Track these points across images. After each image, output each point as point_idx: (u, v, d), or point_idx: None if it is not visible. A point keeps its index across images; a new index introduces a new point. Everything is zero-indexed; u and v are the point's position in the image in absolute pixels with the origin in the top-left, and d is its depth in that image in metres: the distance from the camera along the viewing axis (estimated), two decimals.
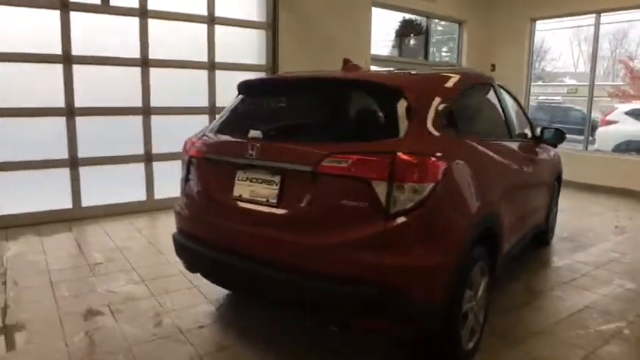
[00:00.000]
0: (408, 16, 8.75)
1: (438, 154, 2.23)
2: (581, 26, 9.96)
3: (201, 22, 6.04)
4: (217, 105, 6.21)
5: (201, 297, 3.41)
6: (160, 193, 5.91)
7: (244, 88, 3.08)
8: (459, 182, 2.37)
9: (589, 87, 8.30)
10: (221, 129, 2.94)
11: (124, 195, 5.75)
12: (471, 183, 2.47)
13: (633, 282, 3.92)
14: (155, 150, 5.87)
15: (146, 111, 5.76)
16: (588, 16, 8.28)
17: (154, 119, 5.83)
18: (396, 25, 8.86)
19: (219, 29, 6.15)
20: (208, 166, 2.78)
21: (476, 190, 2.51)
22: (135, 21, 5.58)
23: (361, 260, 2.13)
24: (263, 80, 3.72)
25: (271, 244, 2.39)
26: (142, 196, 5.88)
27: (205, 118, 6.14)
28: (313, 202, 2.28)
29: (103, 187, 5.58)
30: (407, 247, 2.14)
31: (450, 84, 2.82)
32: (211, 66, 6.16)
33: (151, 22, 5.65)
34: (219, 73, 6.23)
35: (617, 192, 7.60)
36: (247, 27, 6.45)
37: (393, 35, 8.83)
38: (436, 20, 9.13)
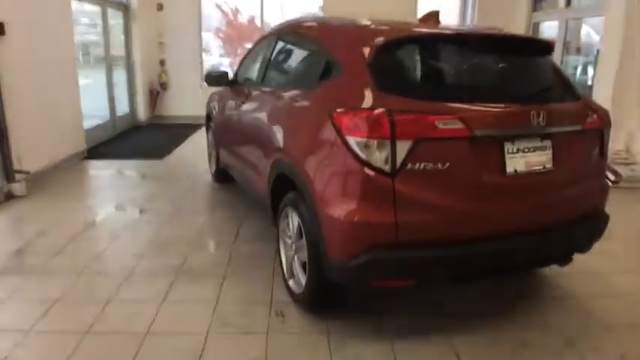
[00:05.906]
0: None
1: None
2: None
3: None
4: None
5: None
6: None
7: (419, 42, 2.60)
8: None
9: None
10: (419, 94, 2.34)
11: None
12: None
13: None
14: None
15: None
16: None
17: None
18: None
19: None
20: (461, 146, 2.29)
21: None
22: None
23: (601, 190, 2.84)
24: (439, 35, 2.81)
25: (552, 207, 2.59)
26: None
27: None
28: (579, 156, 2.69)
29: None
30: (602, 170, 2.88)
31: None
32: None
33: None
34: None
35: None
36: None
37: None
38: None
